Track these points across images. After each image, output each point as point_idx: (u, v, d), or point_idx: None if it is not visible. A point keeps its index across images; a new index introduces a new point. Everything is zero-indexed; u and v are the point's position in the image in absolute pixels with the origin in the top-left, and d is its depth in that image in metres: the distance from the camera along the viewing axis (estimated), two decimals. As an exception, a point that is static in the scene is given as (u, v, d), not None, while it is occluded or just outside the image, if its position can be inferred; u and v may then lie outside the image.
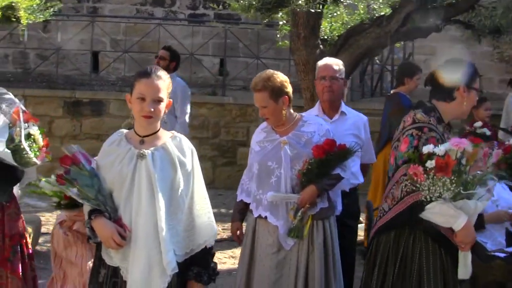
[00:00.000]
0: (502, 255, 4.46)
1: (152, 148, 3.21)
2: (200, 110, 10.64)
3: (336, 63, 4.97)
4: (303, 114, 4.57)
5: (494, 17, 6.70)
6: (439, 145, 3.40)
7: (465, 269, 3.54)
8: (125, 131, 3.35)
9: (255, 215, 4.33)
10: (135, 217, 3.13)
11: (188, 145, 3.28)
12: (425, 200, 3.38)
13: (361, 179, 4.93)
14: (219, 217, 6.13)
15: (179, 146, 3.25)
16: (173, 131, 3.39)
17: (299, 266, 4.19)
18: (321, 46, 7.21)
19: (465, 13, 7.01)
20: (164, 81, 3.23)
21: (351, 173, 4.57)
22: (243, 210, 4.50)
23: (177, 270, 3.15)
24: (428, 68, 12.77)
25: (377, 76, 11.85)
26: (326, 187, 4.24)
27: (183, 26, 12.43)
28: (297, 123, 4.36)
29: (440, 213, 3.42)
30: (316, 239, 4.22)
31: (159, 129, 3.29)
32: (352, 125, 4.90)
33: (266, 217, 4.25)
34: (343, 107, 4.96)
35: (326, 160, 4.18)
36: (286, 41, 7.50)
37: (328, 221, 4.33)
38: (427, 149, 3.41)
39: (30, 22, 7.55)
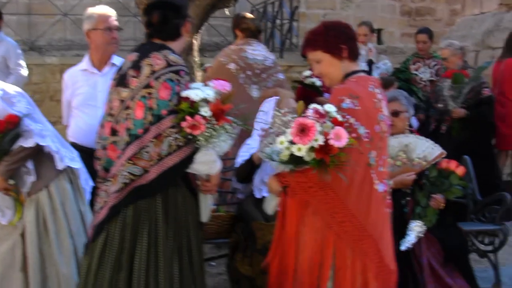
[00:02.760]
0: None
1: None
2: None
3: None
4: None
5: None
6: (199, 90, 3.21)
7: (207, 210, 3.44)
8: None
9: None
10: None
11: None
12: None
13: None
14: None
15: None
16: None
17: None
18: None
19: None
20: None
21: None
22: None
23: None
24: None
25: (269, 32, 11.46)
26: (12, 166, 3.76)
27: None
28: None
29: (205, 162, 3.24)
30: (26, 218, 3.85)
31: None
32: None
33: None
34: (114, 58, 4.62)
35: None
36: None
37: (47, 190, 3.88)
38: (186, 95, 3.18)
39: None
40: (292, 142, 2.94)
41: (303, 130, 2.92)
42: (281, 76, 5.87)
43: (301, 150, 2.92)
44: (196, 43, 6.91)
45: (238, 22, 6.54)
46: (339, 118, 3.01)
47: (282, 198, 3.20)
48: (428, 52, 7.60)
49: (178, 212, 3.28)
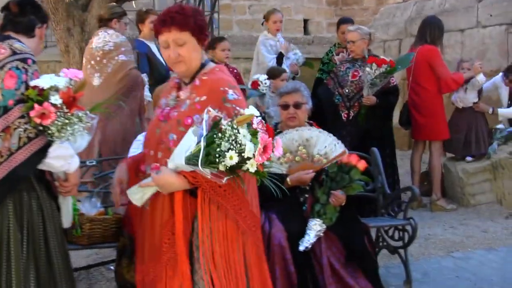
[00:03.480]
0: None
1: None
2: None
3: None
4: None
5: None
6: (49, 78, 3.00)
7: (68, 215, 3.27)
8: None
9: None
10: None
11: None
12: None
13: None
14: None
15: None
16: None
17: None
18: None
19: None
20: None
21: None
22: None
23: None
24: (253, 14, 12.19)
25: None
26: None
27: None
28: None
29: (60, 156, 3.00)
30: None
31: None
32: None
33: None
34: None
35: None
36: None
37: None
38: (35, 83, 2.96)
39: None
40: (247, 158, 2.71)
41: (263, 148, 2.76)
42: (122, 57, 5.65)
43: (253, 165, 2.74)
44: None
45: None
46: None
47: (180, 198, 2.90)
48: None
49: (33, 220, 3.00)
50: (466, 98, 7.03)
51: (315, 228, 4.13)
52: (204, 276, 2.88)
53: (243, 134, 2.71)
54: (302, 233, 4.12)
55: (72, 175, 3.11)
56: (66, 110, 2.92)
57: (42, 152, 2.93)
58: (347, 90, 6.36)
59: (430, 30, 6.87)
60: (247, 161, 2.72)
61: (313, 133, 4.33)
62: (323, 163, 4.27)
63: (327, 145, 4.29)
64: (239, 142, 2.71)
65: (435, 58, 6.79)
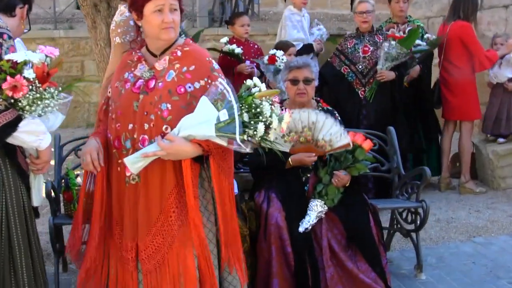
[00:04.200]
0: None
1: None
2: (30, 46, 9.80)
3: None
4: None
5: None
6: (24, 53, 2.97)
7: (39, 194, 3.24)
8: None
9: None
10: None
11: None
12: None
13: None
14: None
15: None
16: None
17: None
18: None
19: None
20: None
21: None
22: None
23: None
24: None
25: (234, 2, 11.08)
26: None
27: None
28: None
29: (31, 131, 2.97)
30: None
31: None
32: None
33: None
34: None
35: None
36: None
37: None
38: (9, 57, 2.96)
39: None
40: (269, 128, 2.93)
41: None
42: (117, 39, 5.33)
43: (272, 135, 2.99)
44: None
45: None
46: None
47: (189, 164, 2.94)
48: (404, 16, 6.86)
49: None
50: (501, 73, 6.73)
51: (316, 209, 4.04)
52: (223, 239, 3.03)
53: (268, 107, 2.89)
54: (303, 214, 4.03)
55: (43, 153, 3.08)
56: (38, 85, 2.90)
57: (12, 126, 2.91)
58: (360, 67, 6.09)
59: (464, 6, 6.55)
60: (269, 131, 2.90)
61: (320, 117, 4.16)
62: (326, 149, 4.12)
63: (333, 133, 4.09)
64: (268, 114, 2.87)
65: (468, 35, 6.49)
